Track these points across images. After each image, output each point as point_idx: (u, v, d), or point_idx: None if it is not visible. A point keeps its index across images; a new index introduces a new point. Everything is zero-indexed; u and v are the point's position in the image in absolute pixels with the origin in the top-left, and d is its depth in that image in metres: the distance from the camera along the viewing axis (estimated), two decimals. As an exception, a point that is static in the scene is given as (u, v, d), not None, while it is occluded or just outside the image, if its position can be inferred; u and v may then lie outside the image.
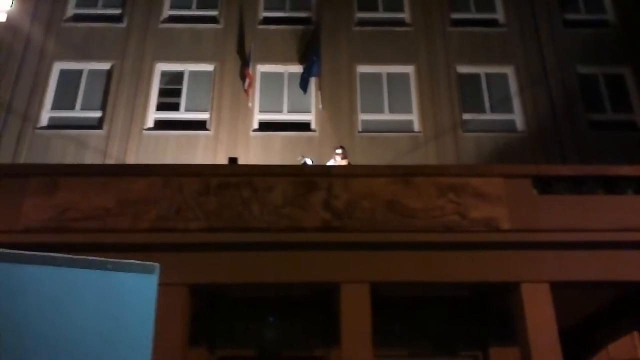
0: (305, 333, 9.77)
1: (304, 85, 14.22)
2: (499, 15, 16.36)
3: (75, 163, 12.76)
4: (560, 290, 8.49)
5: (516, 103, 14.99)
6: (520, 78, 15.24)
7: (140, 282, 1.93)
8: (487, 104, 15.06)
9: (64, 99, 14.84)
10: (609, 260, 8.61)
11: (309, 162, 11.52)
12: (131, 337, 1.88)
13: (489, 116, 14.89)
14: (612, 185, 9.30)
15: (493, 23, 16.25)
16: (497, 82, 15.35)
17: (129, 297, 1.90)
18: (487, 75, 15.46)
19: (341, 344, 8.28)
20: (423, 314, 9.83)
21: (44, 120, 14.49)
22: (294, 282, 8.67)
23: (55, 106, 14.75)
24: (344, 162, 11.16)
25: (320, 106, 14.57)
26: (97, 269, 1.90)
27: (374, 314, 8.33)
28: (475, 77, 15.42)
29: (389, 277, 8.62)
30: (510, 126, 14.77)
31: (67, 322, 1.76)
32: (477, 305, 9.97)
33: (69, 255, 1.87)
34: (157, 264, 2.00)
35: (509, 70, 15.45)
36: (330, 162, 11.35)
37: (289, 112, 14.86)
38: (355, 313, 8.32)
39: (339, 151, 11.38)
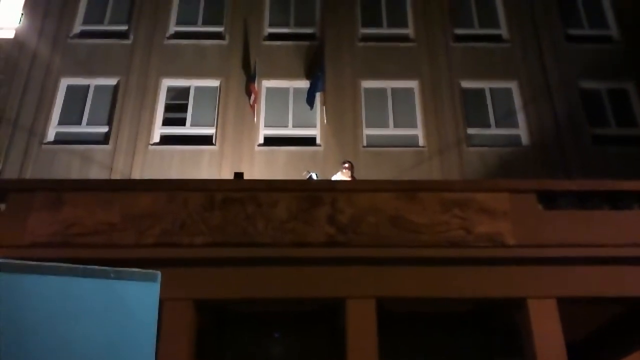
0: (311, 348, 9.72)
1: (310, 100, 14.29)
2: (502, 30, 16.44)
3: (81, 178, 12.81)
4: (567, 305, 8.44)
5: (520, 118, 15.01)
6: (524, 93, 15.28)
7: (143, 290, 1.94)
8: (491, 119, 15.09)
9: (70, 114, 14.94)
10: (615, 275, 8.58)
11: (314, 177, 11.54)
12: (135, 343, 1.89)
13: (493, 131, 14.91)
14: (617, 200, 9.28)
15: (496, 38, 16.32)
16: (501, 97, 15.38)
17: (132, 305, 1.91)
18: (491, 90, 15.50)
19: (347, 359, 8.24)
20: (428, 329, 9.78)
21: (50, 135, 14.57)
22: (299, 297, 8.66)
23: (62, 121, 14.84)
24: (348, 178, 11.17)
25: (325, 121, 14.62)
26: (101, 278, 1.91)
27: (380, 329, 8.29)
28: (479, 92, 15.47)
29: (394, 293, 8.60)
30: (514, 141, 14.77)
31: (72, 330, 1.77)
32: (482, 320, 9.91)
33: (73, 265, 1.88)
34: (158, 272, 2.02)
35: (512, 85, 15.49)
36: (335, 177, 11.36)
37: (293, 127, 14.91)
38: (361, 328, 8.29)
39: (346, 165, 11.41)
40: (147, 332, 1.92)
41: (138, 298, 1.93)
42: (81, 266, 1.89)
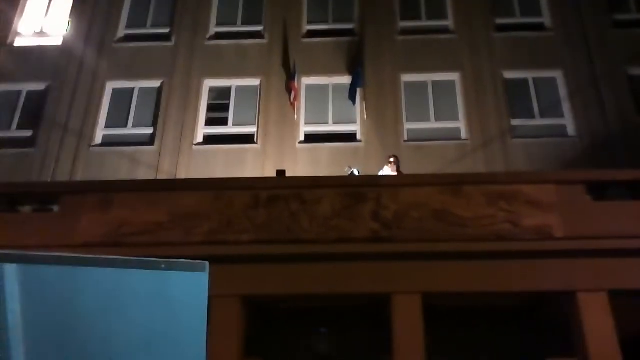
0: (357, 344, 9.75)
1: (352, 96, 14.30)
2: (545, 18, 16.07)
3: (129, 179, 13.14)
4: (620, 299, 8.22)
5: (566, 108, 14.66)
6: (569, 82, 14.91)
7: (192, 280, 2.00)
8: (536, 109, 14.78)
9: (116, 117, 15.33)
10: (670, 267, 8.32)
11: (355, 173, 11.54)
12: (186, 333, 1.96)
13: (538, 122, 14.60)
14: (670, 190, 8.99)
15: (539, 27, 15.96)
16: (546, 87, 15.05)
17: (182, 296, 1.98)
18: (535, 80, 15.17)
19: (393, 355, 8.24)
20: (476, 324, 9.67)
21: (98, 138, 14.99)
22: (344, 293, 8.70)
23: (109, 124, 15.24)
24: (394, 172, 11.13)
25: (365, 116, 14.60)
26: (151, 269, 1.98)
27: (426, 325, 8.26)
28: (522, 83, 15.17)
29: (440, 288, 8.55)
30: (560, 131, 14.44)
31: (124, 322, 1.84)
32: (532, 315, 9.75)
33: (126, 257, 1.95)
34: (206, 262, 2.09)
35: (557, 75, 15.13)
36: (382, 172, 11.34)
37: (334, 123, 14.93)
38: (407, 324, 8.28)
39: (391, 160, 11.37)
40: (198, 321, 1.98)
41: (188, 288, 1.99)
42: (134, 258, 1.97)
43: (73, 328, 1.68)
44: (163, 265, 1.99)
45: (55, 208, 9.55)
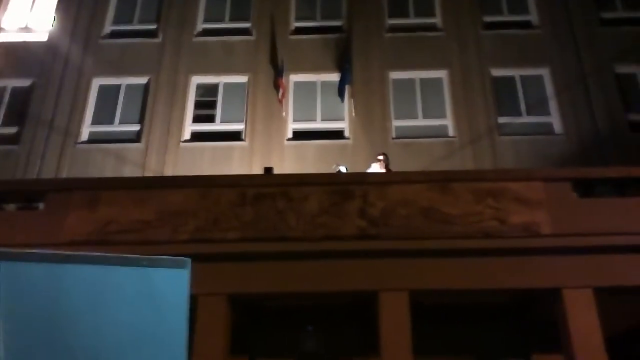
0: (344, 342, 9.75)
1: (341, 93, 14.28)
2: (533, 16, 16.13)
3: (115, 176, 13.04)
4: (606, 297, 8.27)
5: (553, 105, 14.73)
6: (556, 80, 14.98)
7: (174, 277, 1.99)
8: (523, 107, 14.84)
9: (103, 114, 15.21)
10: (654, 264, 8.38)
11: (343, 170, 11.53)
12: (167, 328, 1.95)
13: (525, 119, 14.66)
14: (655, 187, 9.05)
15: (527, 25, 16.02)
16: (533, 85, 15.11)
17: (164, 292, 1.97)
18: (522, 77, 15.23)
19: (380, 352, 8.24)
20: (464, 321, 9.70)
21: (84, 135, 14.86)
22: (331, 291, 8.67)
23: (95, 121, 15.12)
24: (383, 170, 11.14)
25: (353, 113, 14.58)
26: (134, 266, 1.97)
27: (413, 322, 8.26)
28: (510, 80, 15.22)
29: (427, 285, 8.55)
30: (547, 129, 14.51)
31: (107, 317, 1.83)
32: (518, 312, 9.79)
33: (108, 254, 1.94)
34: (188, 259, 2.08)
35: (544, 72, 15.20)
36: (371, 169, 11.34)
37: (322, 120, 14.90)
38: (395, 321, 8.27)
39: (380, 157, 11.37)
40: (180, 317, 1.97)
41: (169, 284, 1.99)
42: (115, 255, 1.95)
43: (58, 324, 1.67)
44: (145, 262, 1.99)
45: (41, 206, 9.45)
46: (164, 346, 1.88)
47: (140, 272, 1.97)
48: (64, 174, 13.93)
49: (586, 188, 9.19)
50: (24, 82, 15.46)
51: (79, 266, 1.83)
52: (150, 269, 2.01)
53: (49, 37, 16.17)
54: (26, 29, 16.54)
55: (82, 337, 1.78)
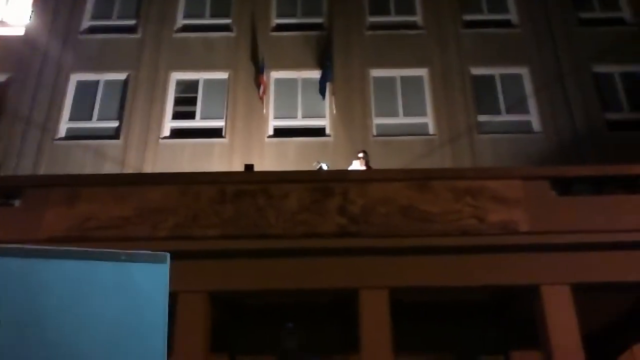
0: (325, 339, 9.75)
1: (322, 91, 14.28)
2: (512, 16, 16.27)
3: (94, 173, 12.89)
4: (582, 293, 8.38)
5: (532, 104, 14.88)
6: (535, 79, 15.13)
7: (153, 272, 1.98)
8: (502, 106, 14.97)
9: (81, 110, 15.02)
10: (630, 260, 8.52)
11: (324, 167, 11.53)
12: (147, 324, 1.94)
13: (504, 117, 14.79)
14: (631, 185, 9.19)
15: (506, 24, 16.15)
16: (512, 83, 15.25)
17: (143, 287, 1.96)
18: (502, 76, 15.37)
19: (360, 349, 8.27)
20: (444, 319, 9.76)
21: (62, 131, 14.66)
22: (311, 288, 8.68)
23: (73, 117, 14.93)
24: (364, 168, 11.16)
25: (334, 111, 14.59)
26: (112, 261, 1.96)
27: (394, 320, 8.30)
28: (489, 79, 15.34)
29: (407, 282, 8.59)
30: (526, 127, 14.66)
31: (88, 315, 1.81)
32: (497, 309, 9.88)
33: (83, 248, 1.93)
34: (167, 253, 2.07)
35: (523, 71, 15.34)
36: (351, 167, 11.36)
37: (303, 117, 14.89)
38: (374, 319, 8.30)
39: (360, 155, 11.40)
40: (159, 312, 1.96)
41: (149, 279, 1.97)
42: (92, 249, 1.94)
43: (37, 320, 1.65)
44: (123, 257, 1.97)
45: (16, 202, 9.31)
46: (143, 342, 1.87)
47: (120, 267, 1.95)
48: (41, 171, 13.73)
49: (564, 186, 9.30)
50: (0, 77, 15.20)
51: (56, 261, 1.81)
52: (129, 263, 1.99)
53: (26, 31, 15.91)
54: (2, 23, 16.26)
55: (61, 332, 1.76)
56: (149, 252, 2.07)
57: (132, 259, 1.98)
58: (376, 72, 15.40)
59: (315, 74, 14.73)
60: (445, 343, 9.85)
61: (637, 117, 14.74)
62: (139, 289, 1.90)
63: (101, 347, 1.79)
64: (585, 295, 8.48)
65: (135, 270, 1.95)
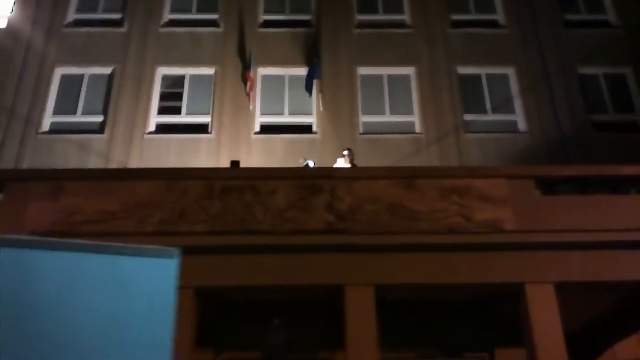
0: (311, 336, 9.76)
1: (309, 88, 14.26)
2: (499, 16, 16.40)
3: (79, 167, 12.76)
4: (566, 292, 8.47)
5: (517, 104, 15.01)
6: (521, 79, 15.27)
7: (161, 267, 1.97)
8: (488, 105, 15.09)
9: (65, 104, 14.86)
10: (613, 260, 8.61)
11: (311, 164, 11.53)
12: (153, 319, 1.92)
13: (490, 117, 14.90)
14: (615, 185, 9.31)
15: (493, 24, 16.28)
16: (498, 83, 15.38)
17: (150, 281, 1.94)
18: (488, 76, 15.48)
19: (346, 346, 8.28)
20: (429, 316, 9.81)
21: (46, 125, 14.51)
22: (298, 284, 8.67)
23: (57, 111, 14.78)
24: (348, 165, 11.18)
25: (321, 108, 14.59)
26: (113, 254, 1.94)
27: (380, 317, 8.32)
28: (476, 78, 15.45)
29: (393, 280, 8.61)
30: (512, 127, 14.78)
31: (83, 307, 1.79)
32: (483, 307, 9.95)
33: (86, 242, 1.90)
34: (176, 249, 2.05)
35: (509, 71, 15.47)
36: (337, 164, 11.37)
37: (290, 114, 14.88)
38: (361, 315, 8.32)
39: (345, 152, 11.41)
40: (165, 306, 1.95)
41: (156, 274, 1.96)
42: (93, 243, 1.92)
43: (33, 314, 1.61)
44: (128, 251, 1.94)
45: (0, 196, 9.18)
46: (148, 334, 1.85)
47: (122, 261, 1.93)
48: (24, 165, 13.58)
49: (548, 186, 9.38)
50: (-17, 70, 14.99)
51: (54, 253, 1.79)
52: (136, 257, 1.97)
53: (8, 23, 15.68)
54: (-16, 14, 16.02)
55: (57, 323, 1.74)
56: (158, 247, 2.03)
57: (138, 253, 1.96)
58: (363, 70, 15.43)
59: (303, 71, 14.73)
60: (431, 340, 9.91)
61: (621, 119, 14.94)
62: (145, 282, 1.87)
63: (100, 339, 1.76)
64: (568, 294, 8.57)
65: (140, 265, 1.92)
